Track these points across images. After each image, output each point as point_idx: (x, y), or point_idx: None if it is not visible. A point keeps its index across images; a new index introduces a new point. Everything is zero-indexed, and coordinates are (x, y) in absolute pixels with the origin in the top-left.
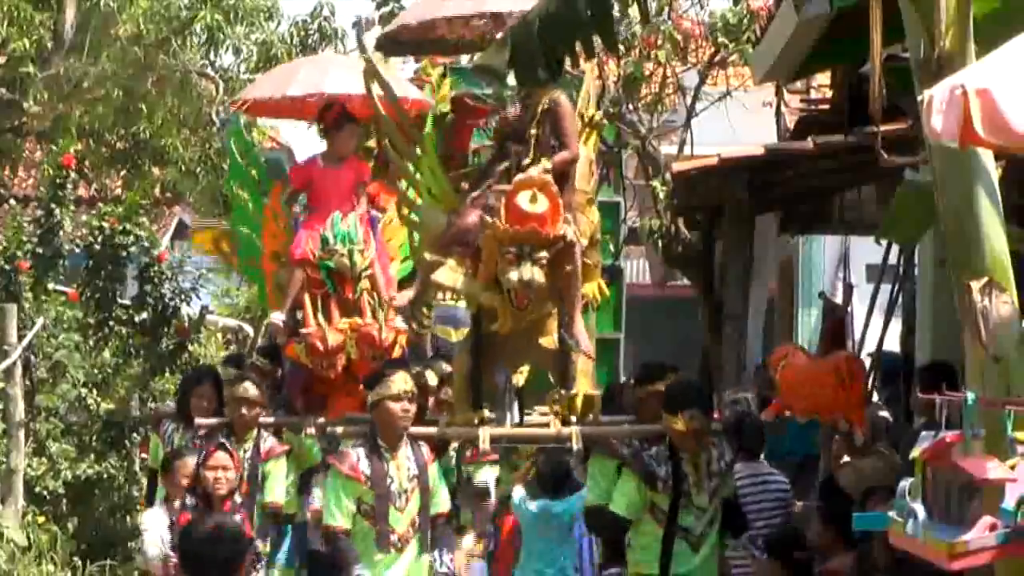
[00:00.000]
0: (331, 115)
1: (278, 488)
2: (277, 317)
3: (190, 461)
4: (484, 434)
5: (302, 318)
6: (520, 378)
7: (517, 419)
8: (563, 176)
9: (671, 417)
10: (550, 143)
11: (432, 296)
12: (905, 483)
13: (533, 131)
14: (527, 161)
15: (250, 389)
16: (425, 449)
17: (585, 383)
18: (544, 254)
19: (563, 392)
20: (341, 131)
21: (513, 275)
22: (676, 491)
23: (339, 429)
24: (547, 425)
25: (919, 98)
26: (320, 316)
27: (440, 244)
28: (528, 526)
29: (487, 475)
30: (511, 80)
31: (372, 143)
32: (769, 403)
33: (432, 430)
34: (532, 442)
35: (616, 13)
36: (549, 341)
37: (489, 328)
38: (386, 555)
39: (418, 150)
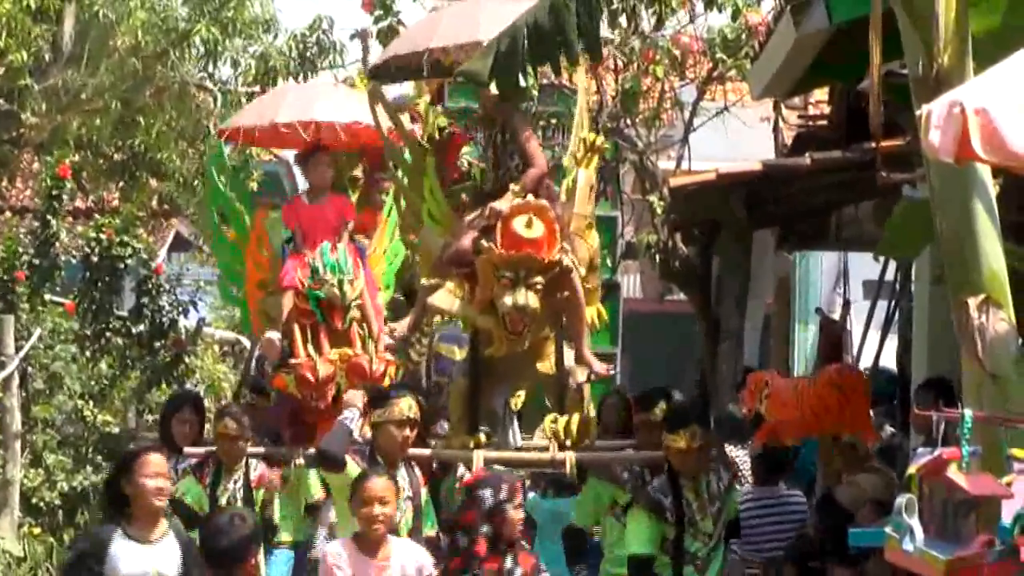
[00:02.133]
0: (301, 149)
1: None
2: (273, 335)
3: None
4: (478, 457)
5: (291, 348)
6: (517, 402)
7: (519, 442)
8: (536, 193)
9: (672, 436)
10: (510, 164)
11: (428, 322)
12: (901, 499)
13: (490, 154)
14: (489, 187)
15: (230, 424)
16: (418, 472)
17: (582, 407)
18: (539, 279)
19: (560, 416)
20: (309, 161)
21: (507, 300)
22: (679, 521)
23: (300, 460)
24: (545, 449)
25: (917, 114)
26: (310, 347)
27: (436, 266)
28: (541, 524)
29: None
30: (493, 88)
31: (358, 172)
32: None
33: (427, 452)
34: (527, 466)
35: (611, 27)
36: (546, 366)
37: (486, 352)
38: None
39: (420, 172)
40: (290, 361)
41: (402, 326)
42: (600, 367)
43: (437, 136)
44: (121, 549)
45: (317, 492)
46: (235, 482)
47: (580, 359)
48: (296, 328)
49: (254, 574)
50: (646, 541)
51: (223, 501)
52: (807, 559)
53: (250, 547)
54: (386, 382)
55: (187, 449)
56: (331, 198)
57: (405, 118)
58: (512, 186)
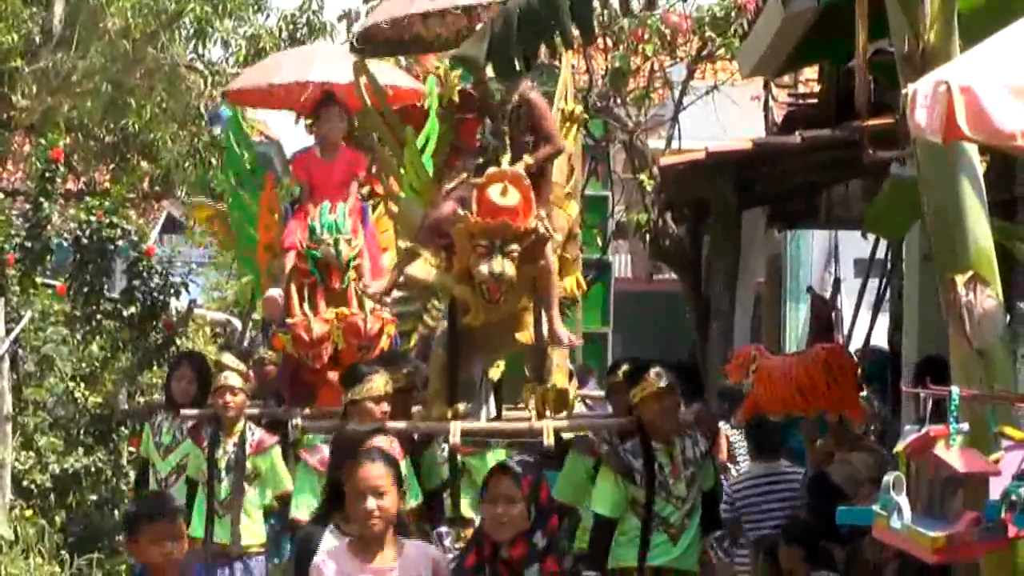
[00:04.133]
0: (312, 99)
1: (286, 478)
2: (274, 291)
3: None
4: (455, 428)
5: (288, 308)
6: (496, 372)
7: (493, 413)
8: (541, 170)
9: (638, 387)
10: (523, 140)
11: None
12: (889, 477)
13: (505, 128)
14: (505, 157)
15: (231, 377)
16: (396, 445)
17: (560, 377)
18: (515, 247)
19: (538, 386)
20: (321, 114)
21: (483, 268)
22: (650, 482)
23: (297, 421)
24: (524, 419)
25: (903, 92)
26: (306, 306)
27: (415, 236)
28: None
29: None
30: (489, 71)
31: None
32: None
33: (403, 425)
34: (505, 436)
35: (598, 6)
36: (525, 336)
37: (463, 321)
38: None
39: (400, 143)
40: (287, 320)
41: (376, 285)
42: (566, 337)
43: (457, 101)
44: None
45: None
46: (234, 444)
47: (549, 329)
48: (293, 288)
49: (150, 557)
50: (610, 504)
51: (222, 464)
52: (808, 540)
53: (137, 527)
54: (383, 341)
55: (184, 412)
56: (342, 153)
57: (405, 77)
58: (526, 157)
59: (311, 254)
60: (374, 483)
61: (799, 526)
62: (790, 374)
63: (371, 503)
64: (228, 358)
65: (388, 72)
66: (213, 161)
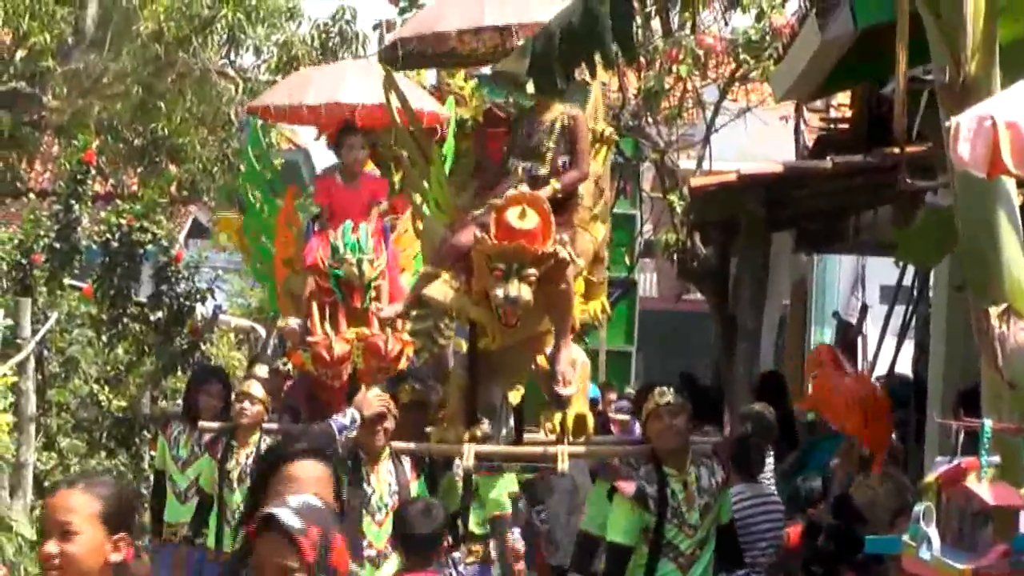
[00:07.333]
0: (334, 129)
1: None
2: (294, 322)
3: None
4: (469, 450)
5: (309, 326)
6: (516, 395)
7: (513, 436)
8: (570, 195)
9: (645, 406)
10: (560, 160)
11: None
12: (919, 508)
13: (551, 145)
14: (543, 172)
15: (252, 386)
16: (407, 466)
17: (579, 403)
18: (533, 271)
19: (556, 410)
20: (343, 144)
21: (499, 292)
22: (661, 508)
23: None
24: (543, 444)
25: (944, 123)
26: (327, 325)
27: (434, 259)
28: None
29: (501, 492)
30: (530, 88)
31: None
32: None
33: (412, 445)
34: (519, 460)
35: (638, 26)
36: (545, 360)
37: (480, 344)
38: (361, 569)
39: (427, 161)
40: (307, 339)
41: (390, 309)
42: (563, 383)
43: (481, 120)
44: None
45: None
46: (247, 456)
47: (553, 360)
48: (315, 306)
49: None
50: (625, 531)
51: (234, 475)
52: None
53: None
54: (402, 363)
55: (202, 424)
56: (364, 180)
57: (431, 100)
58: (553, 182)
59: (334, 273)
60: (59, 518)
61: (784, 559)
62: (837, 396)
63: (49, 547)
64: (261, 369)
65: (413, 93)
66: (242, 168)
